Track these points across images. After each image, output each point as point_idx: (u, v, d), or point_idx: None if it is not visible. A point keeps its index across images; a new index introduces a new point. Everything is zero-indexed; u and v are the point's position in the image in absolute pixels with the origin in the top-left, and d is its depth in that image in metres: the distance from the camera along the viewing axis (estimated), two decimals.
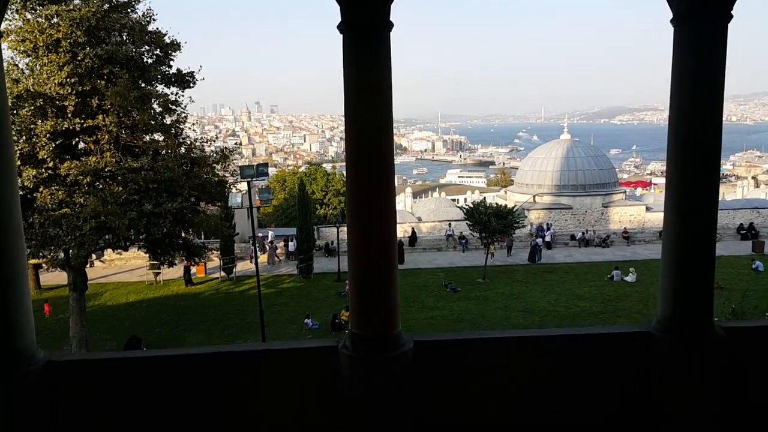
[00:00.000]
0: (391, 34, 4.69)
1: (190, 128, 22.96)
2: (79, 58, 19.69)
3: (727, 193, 74.62)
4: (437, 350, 4.21)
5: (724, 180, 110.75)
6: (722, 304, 20.37)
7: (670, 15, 4.57)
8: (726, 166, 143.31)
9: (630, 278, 33.73)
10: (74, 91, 19.58)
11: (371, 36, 4.57)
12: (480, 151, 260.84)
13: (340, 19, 4.70)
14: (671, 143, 4.21)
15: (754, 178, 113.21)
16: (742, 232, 44.32)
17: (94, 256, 38.15)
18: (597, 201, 49.05)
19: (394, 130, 4.31)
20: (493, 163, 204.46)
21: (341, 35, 4.67)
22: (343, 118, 4.46)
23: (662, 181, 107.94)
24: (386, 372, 4.10)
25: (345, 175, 4.35)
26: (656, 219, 48.12)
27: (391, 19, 4.66)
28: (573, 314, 28.08)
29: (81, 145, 21.16)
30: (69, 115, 19.68)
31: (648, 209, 49.56)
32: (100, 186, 19.90)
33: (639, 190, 79.84)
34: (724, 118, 4.36)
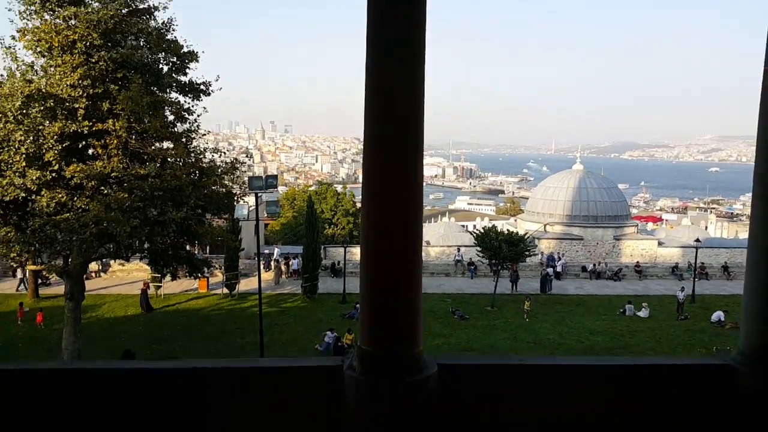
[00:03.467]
0: None
1: (201, 137, 22.56)
2: (93, 60, 19.45)
3: (740, 232, 73.49)
4: (467, 377, 3.29)
5: (735, 219, 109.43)
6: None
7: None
8: (736, 206, 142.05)
9: (643, 313, 32.83)
10: (86, 94, 19.30)
11: None
12: (490, 179, 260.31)
13: None
14: (761, 150, 3.41)
15: None
16: None
17: (98, 267, 37.64)
18: (609, 233, 48.17)
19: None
20: (502, 192, 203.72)
21: None
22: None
23: (673, 217, 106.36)
24: (404, 402, 3.04)
25: (362, 148, 3.24)
26: (668, 254, 47.21)
27: None
28: (584, 348, 27.20)
29: (89, 150, 20.78)
30: (79, 118, 19.36)
31: (660, 244, 48.67)
32: (105, 191, 19.45)
33: (650, 225, 78.76)
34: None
